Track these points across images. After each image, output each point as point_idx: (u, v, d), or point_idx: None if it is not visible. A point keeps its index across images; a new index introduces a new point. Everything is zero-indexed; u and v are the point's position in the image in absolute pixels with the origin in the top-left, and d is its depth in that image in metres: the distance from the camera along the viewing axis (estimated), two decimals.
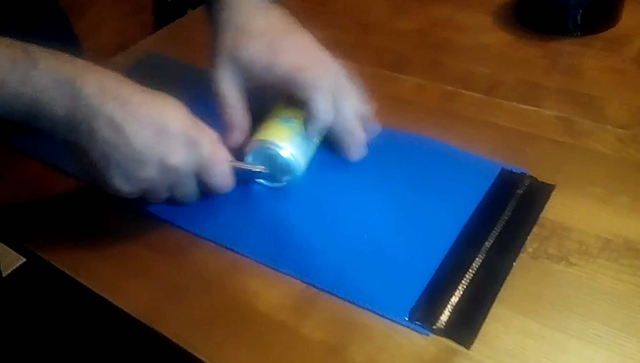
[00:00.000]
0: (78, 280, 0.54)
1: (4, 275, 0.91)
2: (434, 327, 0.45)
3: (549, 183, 0.56)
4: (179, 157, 0.50)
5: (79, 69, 0.49)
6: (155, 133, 0.49)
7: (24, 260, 1.23)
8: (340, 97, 0.57)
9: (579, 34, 0.76)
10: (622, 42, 0.74)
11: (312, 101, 0.56)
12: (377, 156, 0.61)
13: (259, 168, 0.57)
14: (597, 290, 0.46)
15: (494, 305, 0.46)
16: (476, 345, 0.44)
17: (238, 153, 0.57)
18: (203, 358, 0.46)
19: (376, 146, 0.62)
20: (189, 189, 0.54)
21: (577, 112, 0.64)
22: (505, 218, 0.53)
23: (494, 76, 0.71)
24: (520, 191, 0.55)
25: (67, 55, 0.50)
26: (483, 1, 0.85)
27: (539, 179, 0.56)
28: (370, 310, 0.47)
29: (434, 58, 0.76)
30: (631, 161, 0.57)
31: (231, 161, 0.55)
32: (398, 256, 0.51)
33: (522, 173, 0.57)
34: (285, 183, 0.58)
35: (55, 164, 0.65)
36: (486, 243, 0.51)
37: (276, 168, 0.57)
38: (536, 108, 0.65)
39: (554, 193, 0.55)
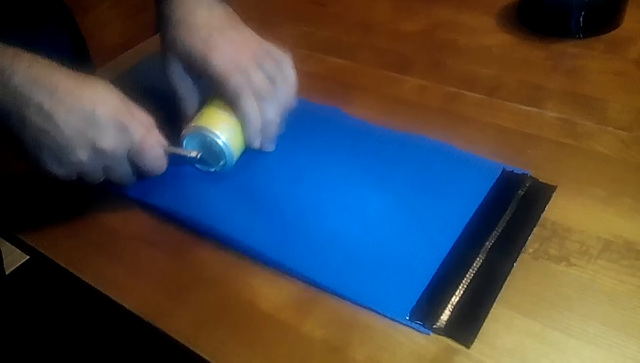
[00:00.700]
0: (81, 278, 0.54)
1: (7, 273, 0.91)
2: (435, 326, 0.46)
3: (550, 184, 0.56)
4: (109, 141, 0.52)
5: (9, 58, 0.50)
6: (84, 119, 0.51)
7: (27, 257, 1.24)
8: (264, 98, 0.59)
9: (581, 36, 0.76)
10: (624, 44, 0.74)
11: (241, 109, 0.58)
12: (380, 157, 0.61)
13: (192, 153, 0.59)
14: (598, 291, 0.47)
15: (495, 304, 0.47)
16: (476, 344, 0.44)
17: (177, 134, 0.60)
18: (206, 357, 0.46)
19: (379, 147, 0.62)
20: (123, 171, 0.56)
21: (579, 113, 0.64)
22: (507, 218, 0.53)
23: (496, 78, 0.71)
24: (521, 192, 0.55)
25: (5, 46, 0.51)
26: (486, 3, 0.86)
27: (540, 180, 0.56)
28: (371, 309, 0.47)
29: (437, 59, 0.76)
30: (632, 162, 0.58)
31: (164, 146, 0.56)
32: (399, 256, 0.51)
33: (523, 173, 0.57)
34: (218, 169, 0.61)
35: None
36: (487, 243, 0.51)
37: (211, 154, 0.60)
38: (538, 109, 0.66)
39: (555, 194, 0.55)
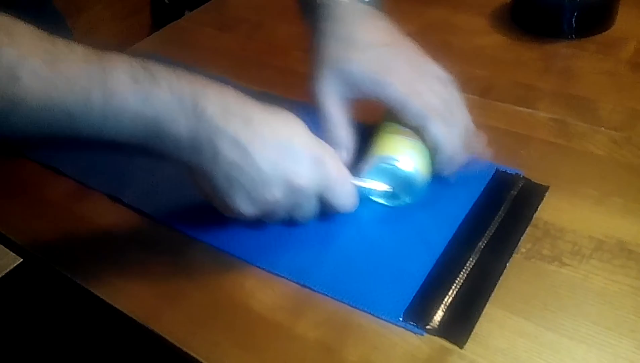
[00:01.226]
0: (75, 279, 0.54)
1: (0, 276, 0.91)
2: (428, 327, 0.46)
3: (543, 184, 0.56)
4: (305, 176, 0.48)
5: (200, 86, 0.46)
6: (281, 152, 0.47)
7: (20, 261, 1.24)
8: (448, 123, 0.54)
9: (573, 36, 0.76)
10: (616, 45, 0.74)
11: (429, 133, 0.53)
12: None
13: (383, 187, 0.54)
14: (590, 290, 0.47)
15: (488, 304, 0.47)
16: (469, 344, 0.44)
17: (353, 171, 0.54)
18: (199, 358, 0.46)
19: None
20: (311, 209, 0.51)
21: (571, 114, 0.65)
22: (499, 218, 0.53)
23: (489, 78, 0.72)
24: (514, 192, 0.56)
25: (185, 72, 0.47)
26: (478, 3, 0.86)
27: (533, 180, 0.57)
28: (365, 311, 0.47)
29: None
30: (624, 162, 0.58)
31: (354, 179, 0.52)
32: (392, 257, 0.51)
33: (516, 174, 0.57)
34: (407, 202, 0.55)
35: (52, 165, 0.65)
36: (480, 244, 0.51)
37: (398, 184, 0.54)
38: (531, 110, 0.66)
39: (547, 194, 0.55)
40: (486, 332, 0.45)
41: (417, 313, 0.47)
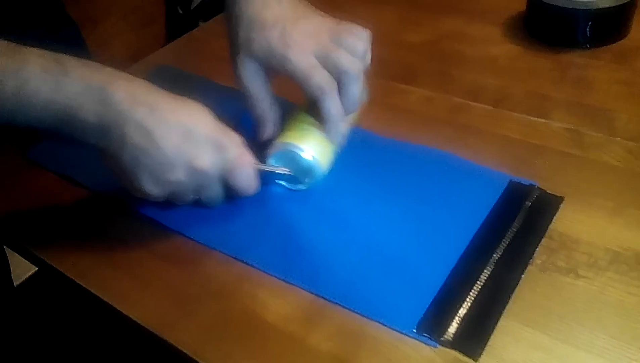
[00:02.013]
0: (89, 289, 0.54)
1: (15, 285, 0.91)
2: (442, 339, 0.45)
3: (557, 195, 0.56)
4: (206, 160, 0.52)
5: (109, 76, 0.51)
6: (183, 137, 0.51)
7: (35, 269, 1.24)
8: (352, 78, 0.56)
9: (588, 46, 0.76)
10: (631, 54, 0.74)
11: (322, 109, 0.56)
12: (386, 168, 0.61)
13: (282, 170, 0.58)
14: (606, 303, 0.46)
15: (502, 317, 0.46)
16: (484, 357, 0.44)
17: (260, 156, 0.58)
18: None
19: (385, 158, 0.62)
20: (215, 191, 0.55)
21: (586, 124, 0.64)
22: (514, 230, 0.53)
23: (502, 88, 0.71)
24: (528, 203, 0.55)
25: (96, 63, 0.51)
26: (492, 13, 0.86)
27: (547, 191, 0.56)
28: (379, 322, 0.47)
29: (443, 70, 0.76)
30: None
31: (255, 164, 0.55)
32: (406, 268, 0.51)
33: (530, 184, 0.57)
34: (306, 186, 0.59)
35: (67, 174, 0.66)
36: (494, 255, 0.51)
37: (298, 170, 0.58)
38: (545, 120, 0.66)
39: (562, 205, 0.55)
40: (501, 345, 0.45)
41: (431, 325, 0.46)
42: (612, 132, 0.63)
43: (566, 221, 0.53)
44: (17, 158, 0.70)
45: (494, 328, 0.46)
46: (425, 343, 0.45)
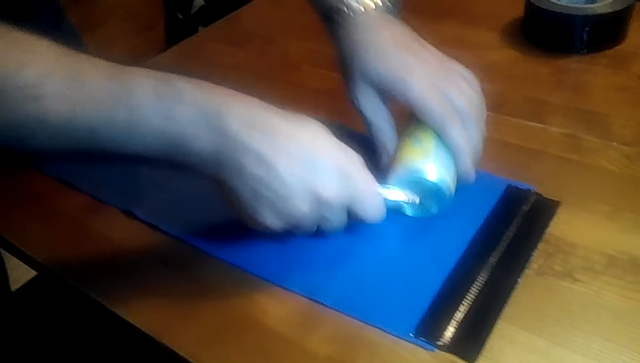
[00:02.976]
0: (89, 294, 0.55)
1: (13, 290, 0.91)
2: (439, 343, 0.46)
3: (554, 199, 0.56)
4: (332, 190, 0.47)
5: (224, 99, 0.46)
6: (307, 166, 0.47)
7: (34, 274, 1.24)
8: (471, 122, 0.54)
9: (585, 51, 0.76)
10: (628, 60, 0.74)
11: (449, 138, 0.53)
12: None
13: (412, 198, 0.53)
14: (602, 307, 0.47)
15: (499, 321, 0.47)
16: (480, 360, 0.44)
17: (380, 180, 0.53)
18: None
19: None
20: (339, 221, 0.50)
21: (583, 129, 0.64)
22: (511, 234, 0.53)
23: (500, 93, 0.72)
24: (525, 208, 0.56)
25: (207, 83, 0.47)
26: (490, 19, 0.86)
27: (544, 195, 0.57)
28: (376, 326, 0.48)
29: None
30: (637, 177, 0.58)
31: (382, 191, 0.51)
32: (404, 272, 0.51)
33: (527, 189, 0.57)
34: (433, 212, 0.55)
35: (68, 180, 0.66)
36: (491, 259, 0.51)
37: (424, 194, 0.53)
38: (542, 125, 0.66)
39: (559, 209, 0.55)
40: (497, 348, 0.45)
41: (428, 329, 0.47)
42: (609, 137, 0.63)
43: (563, 226, 0.54)
44: (17, 163, 0.70)
45: (490, 332, 0.46)
46: (422, 347, 0.46)
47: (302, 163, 0.47)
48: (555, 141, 0.64)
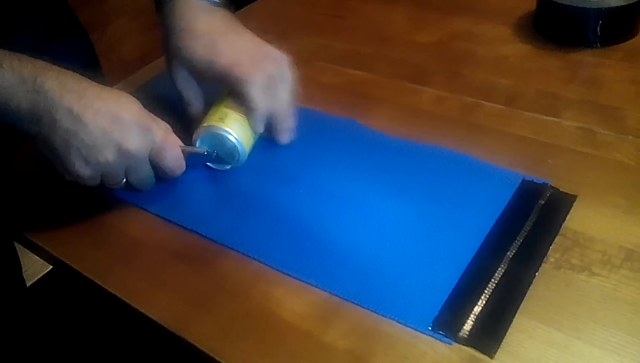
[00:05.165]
0: (106, 288, 0.55)
1: (28, 284, 0.92)
2: (458, 336, 0.46)
3: (570, 193, 0.56)
4: (133, 142, 0.55)
5: (41, 68, 0.54)
6: (111, 121, 0.54)
7: (49, 269, 1.25)
8: (274, 86, 0.62)
9: (598, 44, 0.76)
10: None
11: (246, 94, 0.61)
12: (399, 168, 0.61)
13: (205, 151, 0.62)
14: (620, 300, 0.47)
15: (517, 314, 0.47)
16: (499, 354, 0.44)
17: (188, 141, 0.62)
18: None
19: (398, 159, 0.62)
20: (144, 172, 0.58)
21: (598, 122, 0.64)
22: (527, 228, 0.53)
23: (514, 87, 0.72)
24: (542, 202, 0.55)
25: (28, 57, 0.54)
26: (502, 13, 0.86)
27: (560, 189, 0.57)
28: (394, 320, 0.48)
29: (454, 70, 0.76)
30: None
31: (181, 146, 0.59)
32: (421, 267, 0.51)
33: (543, 183, 0.57)
34: (231, 166, 0.64)
35: None
36: (508, 253, 0.51)
37: (222, 151, 0.62)
38: (557, 119, 0.66)
39: (575, 203, 0.55)
40: (516, 342, 0.45)
41: (446, 323, 0.47)
42: (624, 130, 0.63)
43: (579, 219, 0.53)
44: (27, 158, 0.70)
45: (509, 325, 0.46)
46: (440, 340, 0.46)
47: (107, 117, 0.54)
48: (569, 135, 0.63)
